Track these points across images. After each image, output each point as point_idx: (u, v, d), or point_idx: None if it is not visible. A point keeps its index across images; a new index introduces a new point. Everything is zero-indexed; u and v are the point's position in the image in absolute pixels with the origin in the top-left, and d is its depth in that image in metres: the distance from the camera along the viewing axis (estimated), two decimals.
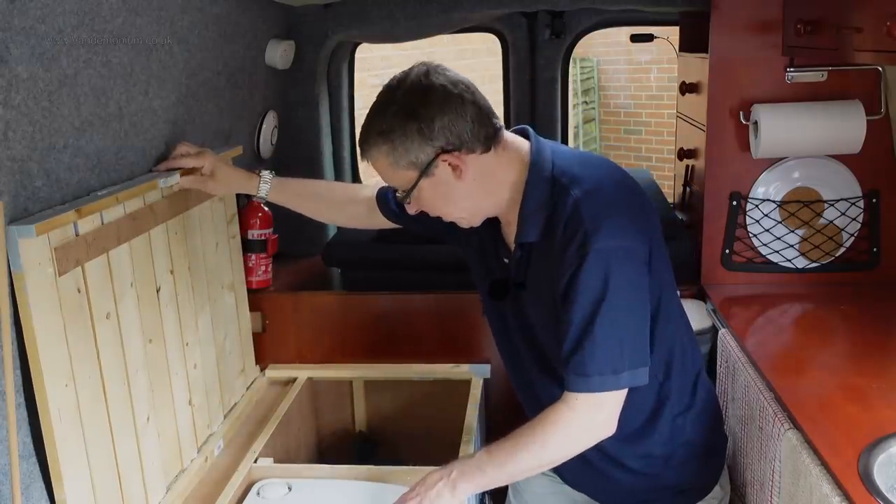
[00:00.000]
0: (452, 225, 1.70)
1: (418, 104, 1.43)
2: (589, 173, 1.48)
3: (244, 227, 2.33)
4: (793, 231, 2.22)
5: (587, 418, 1.44)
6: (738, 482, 1.82)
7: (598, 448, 1.51)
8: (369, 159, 1.49)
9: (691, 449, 1.63)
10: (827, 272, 2.23)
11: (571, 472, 1.68)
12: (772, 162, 2.20)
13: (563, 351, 1.43)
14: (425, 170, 1.46)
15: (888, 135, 2.16)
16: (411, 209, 1.54)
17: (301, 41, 2.57)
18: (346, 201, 1.91)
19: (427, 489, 1.49)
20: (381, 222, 1.86)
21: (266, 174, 1.88)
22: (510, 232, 1.57)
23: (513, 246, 1.56)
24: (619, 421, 1.46)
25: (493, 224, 1.60)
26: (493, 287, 1.63)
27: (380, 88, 1.48)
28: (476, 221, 1.57)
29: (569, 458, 1.49)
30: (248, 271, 2.37)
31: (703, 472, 1.68)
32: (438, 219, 1.70)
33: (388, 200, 1.81)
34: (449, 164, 1.45)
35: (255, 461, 1.93)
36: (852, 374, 1.71)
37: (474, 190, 1.50)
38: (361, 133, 1.49)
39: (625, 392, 1.43)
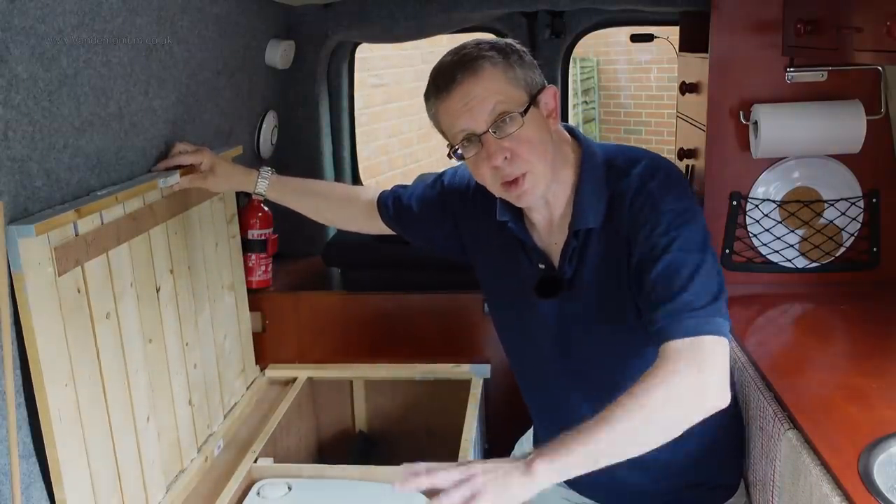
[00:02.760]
0: (454, 232, 1.70)
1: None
2: (642, 155, 1.49)
3: (244, 227, 2.33)
4: (793, 231, 2.22)
5: (695, 374, 1.27)
6: None
7: None
8: (478, 72, 1.38)
9: (727, 438, 1.65)
10: (827, 272, 2.23)
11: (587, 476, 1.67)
12: (772, 162, 2.20)
13: (662, 302, 1.33)
14: (536, 95, 1.42)
15: (888, 135, 2.15)
16: (497, 157, 1.39)
17: (301, 41, 2.57)
18: (345, 202, 1.90)
19: (496, 467, 1.23)
20: (379, 227, 1.83)
21: (265, 170, 1.88)
22: (548, 231, 1.54)
23: (549, 248, 1.54)
24: None
25: (515, 227, 1.56)
26: (541, 284, 1.54)
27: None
28: (536, 193, 1.44)
29: (672, 436, 1.28)
30: (248, 271, 2.37)
31: (732, 469, 1.70)
32: (433, 228, 1.69)
33: (388, 207, 1.79)
34: (549, 101, 1.44)
35: (255, 461, 1.94)
36: (852, 374, 1.70)
37: (554, 150, 1.45)
38: (461, 55, 1.40)
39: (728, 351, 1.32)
